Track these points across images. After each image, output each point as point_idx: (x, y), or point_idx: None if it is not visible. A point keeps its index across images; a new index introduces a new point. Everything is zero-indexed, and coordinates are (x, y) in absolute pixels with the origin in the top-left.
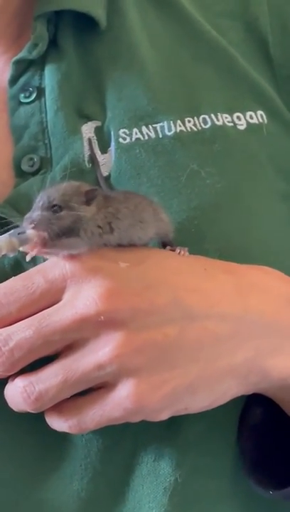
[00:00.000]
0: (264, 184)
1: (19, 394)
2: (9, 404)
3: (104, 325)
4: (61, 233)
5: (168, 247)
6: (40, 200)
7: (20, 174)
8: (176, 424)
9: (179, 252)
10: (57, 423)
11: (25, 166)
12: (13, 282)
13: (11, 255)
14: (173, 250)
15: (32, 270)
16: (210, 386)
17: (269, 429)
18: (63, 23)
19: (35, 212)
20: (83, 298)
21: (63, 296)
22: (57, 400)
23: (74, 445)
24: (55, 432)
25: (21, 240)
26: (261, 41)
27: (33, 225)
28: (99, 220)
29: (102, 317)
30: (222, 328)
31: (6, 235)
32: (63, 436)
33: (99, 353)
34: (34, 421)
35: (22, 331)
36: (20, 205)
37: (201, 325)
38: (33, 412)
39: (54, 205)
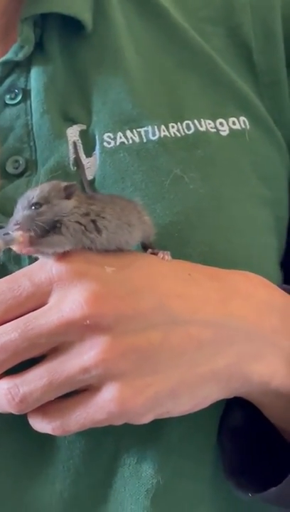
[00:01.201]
0: (246, 190)
1: (3, 396)
2: None
3: (89, 329)
4: (45, 230)
5: (149, 250)
6: (20, 203)
7: (5, 176)
8: (158, 427)
9: (162, 257)
10: (41, 425)
11: (10, 168)
12: None
13: None
14: (155, 254)
15: (18, 273)
16: (191, 391)
17: (249, 432)
18: (49, 26)
19: (18, 213)
20: (69, 302)
21: (49, 299)
22: (42, 402)
23: (57, 447)
24: (37, 433)
25: (6, 241)
26: (245, 48)
27: (17, 226)
28: (80, 214)
29: (88, 321)
30: (205, 334)
31: None
32: (46, 438)
33: (85, 356)
34: (16, 423)
35: (7, 334)
36: (6, 208)
37: (184, 331)
38: (16, 413)
39: (34, 203)
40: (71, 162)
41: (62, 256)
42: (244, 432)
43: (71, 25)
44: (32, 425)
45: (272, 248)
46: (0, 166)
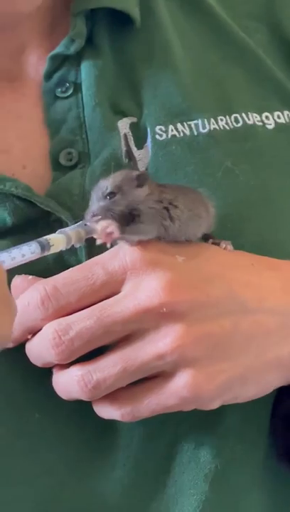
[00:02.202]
0: None
1: (75, 382)
2: (59, 392)
3: (165, 316)
4: (123, 218)
5: (210, 240)
6: (94, 194)
7: (58, 168)
8: (215, 414)
9: (225, 247)
10: (108, 411)
11: (63, 160)
12: (72, 273)
13: (78, 245)
14: (217, 244)
15: (90, 262)
16: (258, 377)
17: None
18: (98, 21)
19: (94, 205)
20: (145, 289)
21: (122, 287)
22: (114, 389)
23: (116, 434)
24: (96, 421)
25: (88, 231)
26: (286, 43)
27: (96, 217)
28: (154, 200)
29: (165, 308)
30: (271, 322)
31: (73, 226)
32: (105, 426)
33: (160, 343)
34: (74, 411)
35: (82, 321)
36: (62, 198)
37: (253, 318)
38: (86, 400)
39: (109, 193)
40: (123, 154)
41: (136, 245)
42: None
43: (119, 21)
44: (97, 412)
45: None
46: (53, 158)
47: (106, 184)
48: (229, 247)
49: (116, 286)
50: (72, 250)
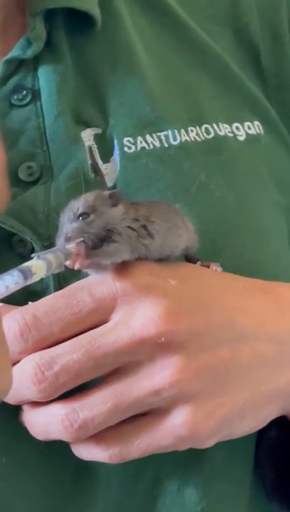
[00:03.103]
0: (267, 197)
1: (59, 422)
2: (34, 433)
3: (162, 347)
4: (98, 240)
5: (199, 262)
6: (64, 216)
7: (17, 183)
8: (200, 450)
9: (215, 269)
10: (93, 452)
11: (22, 175)
12: (54, 300)
13: (58, 271)
14: (206, 266)
15: (74, 287)
16: (256, 410)
17: (286, 450)
18: (57, 22)
19: (65, 227)
20: (140, 317)
21: (112, 316)
22: (102, 428)
23: (93, 477)
24: (72, 462)
25: (66, 255)
26: (252, 49)
27: (68, 239)
28: (131, 219)
29: (163, 338)
30: (269, 349)
31: (51, 250)
32: (81, 467)
33: (156, 377)
34: (47, 450)
35: (69, 354)
36: (25, 217)
37: (251, 346)
38: (70, 441)
39: (81, 214)
40: (89, 168)
41: (122, 268)
42: (281, 450)
43: (79, 22)
44: (78, 453)
45: None
46: (11, 173)
47: (78, 205)
48: (219, 269)
49: (104, 314)
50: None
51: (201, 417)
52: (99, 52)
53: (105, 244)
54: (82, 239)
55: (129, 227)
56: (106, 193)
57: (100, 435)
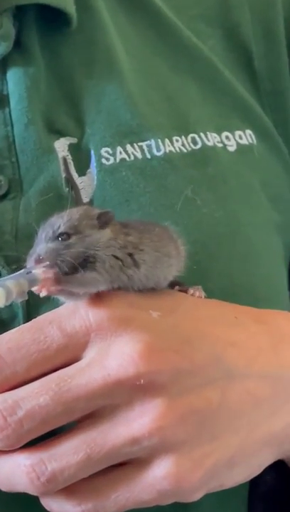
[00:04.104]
0: (260, 213)
1: (24, 474)
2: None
3: (141, 389)
4: (74, 266)
5: (176, 287)
6: (42, 231)
7: None
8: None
9: (194, 294)
10: (63, 507)
11: None
12: (18, 335)
13: (20, 300)
14: (184, 291)
15: (42, 319)
16: (249, 458)
17: (280, 494)
18: (28, 21)
19: (40, 246)
20: (116, 356)
21: (85, 352)
22: (73, 481)
23: None
24: None
25: (30, 281)
26: (244, 51)
27: (38, 260)
28: (117, 248)
29: (142, 380)
30: (262, 389)
31: (14, 276)
32: None
33: (134, 424)
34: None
35: (35, 397)
36: None
37: (242, 387)
38: (37, 495)
39: (61, 234)
40: (63, 182)
41: (97, 298)
42: (275, 494)
43: (52, 21)
44: (47, 506)
45: (285, 279)
46: None
47: (60, 222)
48: (199, 293)
49: (76, 351)
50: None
51: (186, 469)
52: (75, 53)
53: (81, 271)
54: (51, 263)
55: (114, 256)
56: (96, 212)
57: (72, 488)
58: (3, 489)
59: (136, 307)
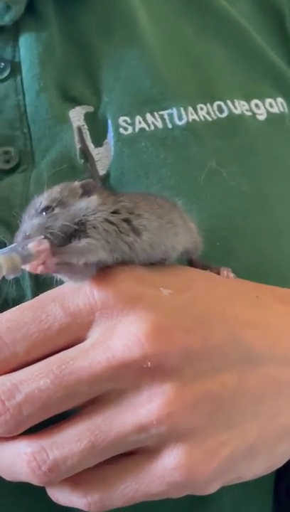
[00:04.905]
0: None
1: (25, 463)
2: (0, 472)
3: (149, 373)
4: (66, 237)
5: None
6: (25, 213)
7: None
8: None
9: (226, 275)
10: (69, 498)
11: None
12: (19, 313)
13: (12, 277)
14: (216, 272)
15: (44, 297)
16: (269, 448)
17: None
18: None
19: (25, 224)
20: (122, 337)
21: (89, 333)
22: (77, 471)
23: None
24: (50, 506)
25: (24, 256)
26: (276, 14)
27: (26, 237)
28: (109, 212)
29: (149, 363)
30: (284, 373)
31: (5, 249)
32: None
33: (142, 410)
34: (17, 490)
35: (35, 380)
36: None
37: (262, 371)
38: (40, 485)
39: (43, 209)
40: (78, 153)
41: (103, 274)
42: None
43: None
44: (53, 496)
45: None
46: None
47: (40, 200)
48: (231, 274)
49: (79, 331)
50: (10, 281)
51: (199, 459)
52: (92, 18)
53: (75, 240)
54: (43, 236)
55: (106, 220)
56: (77, 183)
57: (77, 478)
58: (7, 478)
59: (144, 284)
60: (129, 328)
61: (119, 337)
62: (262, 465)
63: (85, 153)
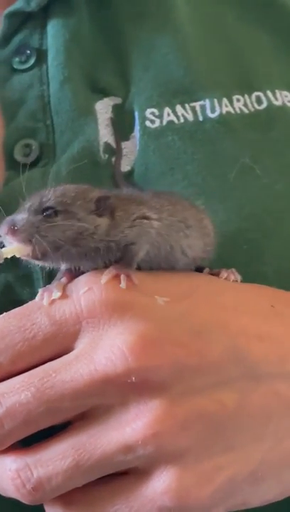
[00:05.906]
0: None
1: (9, 480)
2: None
3: (135, 388)
4: (54, 248)
5: (206, 270)
6: (29, 200)
7: (12, 165)
8: None
9: (226, 277)
10: None
11: (18, 155)
12: (4, 321)
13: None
14: (215, 274)
15: (30, 305)
16: (277, 473)
17: None
18: None
19: (19, 215)
20: (106, 349)
21: (75, 343)
22: (64, 491)
23: None
24: None
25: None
26: None
27: (12, 231)
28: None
29: (134, 377)
30: None
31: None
32: None
33: (127, 428)
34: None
35: (16, 393)
36: (14, 207)
37: (269, 388)
38: (27, 503)
39: (47, 208)
40: (101, 148)
41: (95, 279)
42: None
43: None
44: None
45: None
46: (6, 153)
47: (49, 196)
48: (234, 276)
49: (66, 341)
50: (23, 280)
51: (191, 483)
52: (124, 4)
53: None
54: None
55: (106, 244)
56: (94, 195)
57: (68, 498)
58: None
59: (138, 290)
60: (114, 340)
61: (103, 349)
62: (271, 491)
63: (116, 148)
